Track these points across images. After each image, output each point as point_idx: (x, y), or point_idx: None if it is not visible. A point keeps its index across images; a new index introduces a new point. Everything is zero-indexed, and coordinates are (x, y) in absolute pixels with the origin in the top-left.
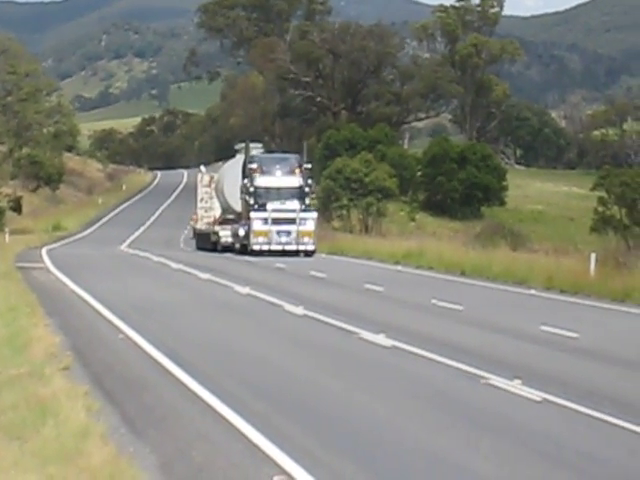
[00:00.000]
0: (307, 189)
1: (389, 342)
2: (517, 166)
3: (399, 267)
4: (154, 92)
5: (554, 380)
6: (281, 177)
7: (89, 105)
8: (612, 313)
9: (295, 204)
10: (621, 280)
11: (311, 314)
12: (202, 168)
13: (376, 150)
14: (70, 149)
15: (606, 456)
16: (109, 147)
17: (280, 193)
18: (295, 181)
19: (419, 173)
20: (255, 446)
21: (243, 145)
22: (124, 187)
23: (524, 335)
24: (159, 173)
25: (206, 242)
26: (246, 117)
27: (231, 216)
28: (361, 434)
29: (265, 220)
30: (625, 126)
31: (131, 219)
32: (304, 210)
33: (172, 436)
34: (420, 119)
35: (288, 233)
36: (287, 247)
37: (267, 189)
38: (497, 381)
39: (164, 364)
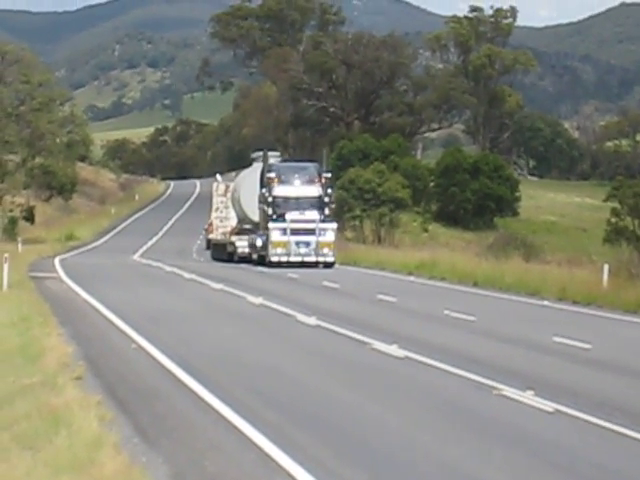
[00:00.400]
0: (327, 199)
1: (402, 353)
2: (530, 177)
3: (412, 278)
4: (167, 102)
5: (566, 391)
6: (300, 186)
7: (102, 115)
8: (625, 324)
9: (314, 214)
10: (634, 291)
11: (324, 324)
12: (218, 177)
13: (389, 161)
14: (83, 159)
15: (618, 467)
16: (122, 157)
17: (299, 203)
18: (314, 190)
19: (432, 184)
20: (267, 456)
21: (260, 154)
22: (137, 197)
23: (536, 346)
24: (172, 183)
25: (222, 252)
26: (259, 127)
27: (248, 226)
28: (373, 444)
29: (284, 231)
30: (638, 137)
31: (144, 229)
32: (324, 220)
33: (185, 446)
34: (433, 130)
35: (307, 244)
36: (306, 258)
37: (286, 199)
38: (509, 392)
39: (177, 374)
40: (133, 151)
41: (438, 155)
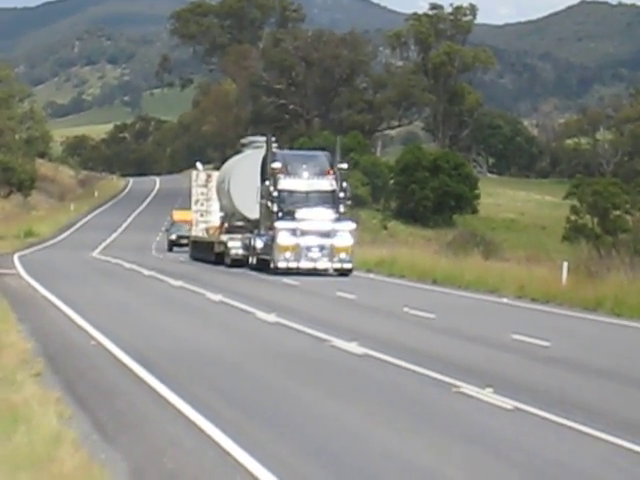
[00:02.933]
0: (342, 194)
1: (361, 350)
2: (489, 175)
3: (371, 275)
4: (127, 99)
5: (525, 388)
6: (310, 179)
7: (62, 111)
8: (583, 322)
9: (329, 212)
10: (593, 289)
11: (283, 321)
12: (199, 165)
13: (349, 158)
14: (42, 155)
15: (576, 464)
16: (81, 153)
17: (309, 198)
18: (327, 184)
19: (392, 181)
20: (227, 453)
21: (252, 139)
22: (96, 194)
23: (496, 343)
24: (131, 180)
25: (205, 252)
26: (218, 124)
27: (240, 223)
28: (332, 441)
29: (293, 232)
30: (597, 135)
31: (103, 225)
32: (339, 219)
33: (144, 442)
34: (393, 127)
35: (321, 248)
36: (319, 265)
37: (294, 193)
38: (468, 389)
39: (136, 370)
40: (92, 147)
41: (398, 153)
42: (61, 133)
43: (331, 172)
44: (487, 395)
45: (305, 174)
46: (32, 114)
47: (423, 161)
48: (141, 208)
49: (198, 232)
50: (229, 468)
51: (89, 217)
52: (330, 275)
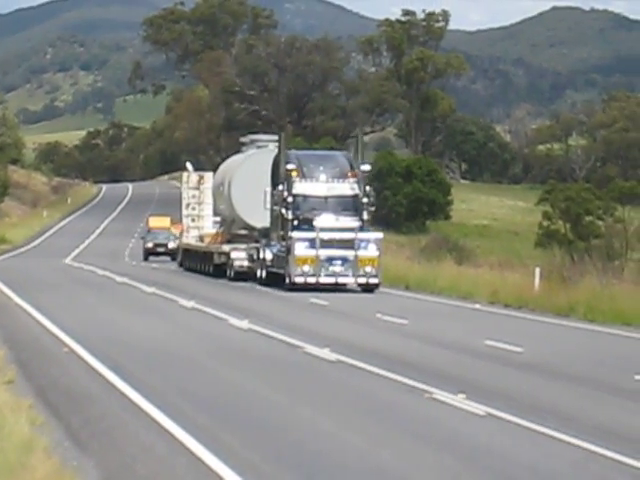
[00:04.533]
0: (365, 199)
1: (334, 356)
2: (462, 180)
3: None
4: (99, 105)
5: (498, 394)
6: (329, 182)
7: (34, 118)
8: (556, 328)
9: (352, 220)
10: (565, 295)
11: (256, 328)
12: (189, 166)
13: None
14: (15, 162)
15: (549, 470)
16: (54, 160)
17: (328, 204)
18: (348, 188)
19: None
20: (199, 459)
21: (254, 138)
22: (69, 200)
23: (468, 349)
24: (104, 186)
25: (201, 262)
26: (191, 130)
27: (243, 231)
28: (305, 447)
29: (311, 242)
30: (570, 141)
31: (76, 232)
32: (364, 228)
33: (116, 450)
34: (365, 133)
35: (343, 260)
36: (341, 279)
37: (311, 199)
38: (441, 395)
39: (108, 377)
40: (65, 154)
41: (370, 159)
42: (34, 140)
43: (352, 174)
44: (460, 401)
45: (323, 177)
46: (4, 121)
47: (396, 167)
48: (114, 215)
49: (190, 239)
50: (201, 475)
51: (62, 224)
52: (354, 291)
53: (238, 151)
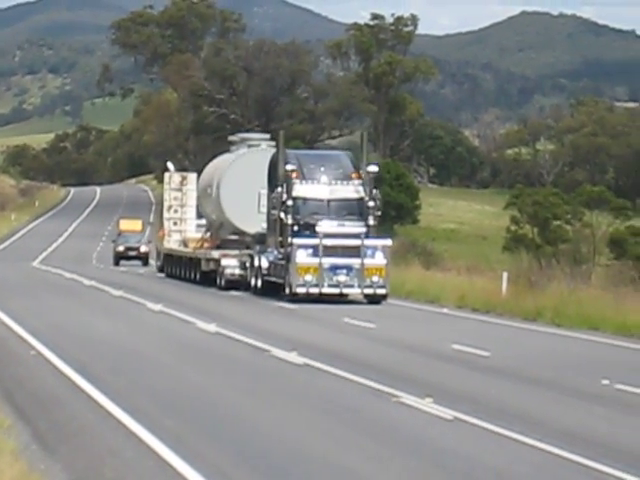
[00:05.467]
0: (371, 203)
1: (301, 360)
2: (430, 185)
3: None
4: (68, 108)
5: (465, 398)
6: (332, 184)
7: (2, 121)
8: (523, 332)
9: (358, 226)
10: (533, 299)
11: (224, 331)
12: (170, 165)
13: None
14: None
15: (515, 473)
16: (22, 163)
17: (331, 208)
18: (352, 190)
19: None
20: (166, 463)
21: (244, 136)
22: (37, 203)
23: (436, 353)
24: (72, 190)
25: (185, 269)
26: (159, 134)
27: (233, 237)
28: (272, 451)
29: (314, 249)
30: (538, 145)
31: (44, 235)
32: (370, 235)
33: (84, 453)
34: (334, 137)
35: (348, 269)
36: (346, 290)
37: (313, 202)
38: (408, 399)
39: (76, 380)
40: (33, 157)
41: None
42: (2, 142)
43: (357, 176)
44: (427, 405)
45: (325, 178)
46: None
47: None
48: (82, 218)
49: (172, 244)
50: (168, 478)
51: (30, 227)
52: (359, 302)
53: (226, 151)
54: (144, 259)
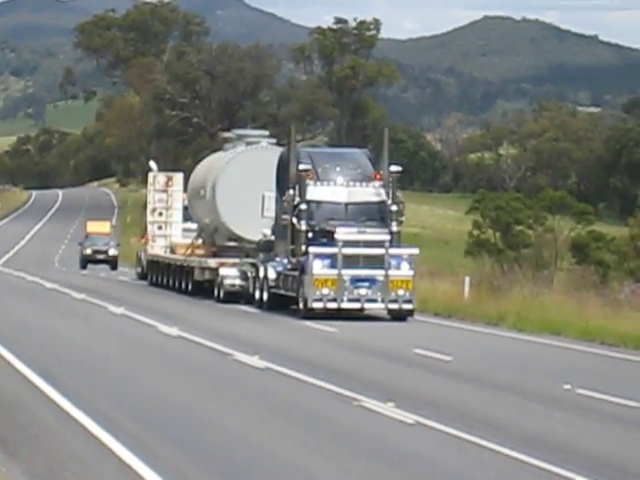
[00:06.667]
0: (394, 207)
1: (263, 364)
2: None
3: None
4: (30, 111)
5: (427, 403)
6: (350, 186)
7: None
8: (485, 336)
9: (381, 232)
10: (495, 304)
11: (186, 335)
12: (152, 165)
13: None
14: None
15: (476, 477)
16: None
17: (349, 212)
18: (373, 193)
19: None
20: (128, 466)
21: (241, 133)
22: None
23: (397, 358)
24: (34, 192)
25: (174, 278)
26: (122, 137)
27: (231, 243)
28: (234, 455)
29: (332, 259)
30: (500, 150)
31: (6, 238)
32: (394, 243)
33: (45, 456)
34: (297, 141)
35: (371, 282)
36: (368, 305)
37: (329, 206)
38: (370, 403)
39: (38, 384)
40: None
41: None
42: None
43: (377, 176)
44: (388, 409)
45: (341, 179)
46: None
47: None
48: (44, 221)
49: (157, 250)
50: None
51: None
52: (382, 319)
53: (219, 149)
54: (113, 263)
